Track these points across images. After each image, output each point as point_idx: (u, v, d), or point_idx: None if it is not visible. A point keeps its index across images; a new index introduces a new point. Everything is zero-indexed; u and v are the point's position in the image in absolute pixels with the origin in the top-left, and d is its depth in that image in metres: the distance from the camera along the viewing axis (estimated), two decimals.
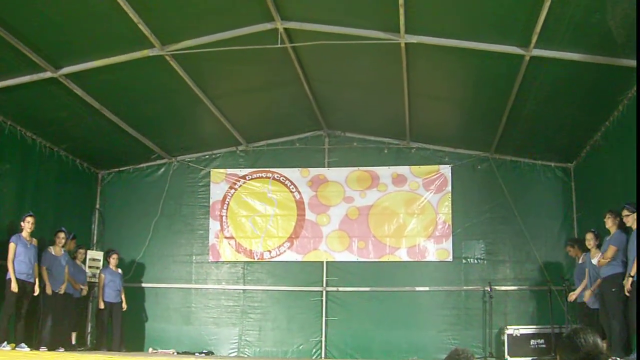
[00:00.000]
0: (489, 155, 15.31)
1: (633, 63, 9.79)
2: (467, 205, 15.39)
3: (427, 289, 15.18)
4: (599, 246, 11.65)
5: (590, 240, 11.96)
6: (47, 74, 11.37)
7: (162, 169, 16.49)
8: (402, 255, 15.36)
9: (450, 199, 15.40)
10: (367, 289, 15.34)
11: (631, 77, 10.22)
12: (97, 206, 16.47)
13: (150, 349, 15.02)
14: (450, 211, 15.36)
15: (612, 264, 10.72)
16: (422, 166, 15.65)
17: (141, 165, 16.54)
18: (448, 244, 15.25)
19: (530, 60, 10.35)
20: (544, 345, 13.40)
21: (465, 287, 15.01)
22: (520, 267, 14.92)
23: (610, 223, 11.01)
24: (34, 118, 13.19)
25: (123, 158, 16.21)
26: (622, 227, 10.75)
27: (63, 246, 13.14)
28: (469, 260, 15.14)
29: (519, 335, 13.56)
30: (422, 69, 11.94)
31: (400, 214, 15.53)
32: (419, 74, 12.12)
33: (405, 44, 10.63)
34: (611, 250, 10.66)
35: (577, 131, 13.16)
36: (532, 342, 13.48)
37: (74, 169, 15.42)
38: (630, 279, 9.87)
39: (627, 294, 10.06)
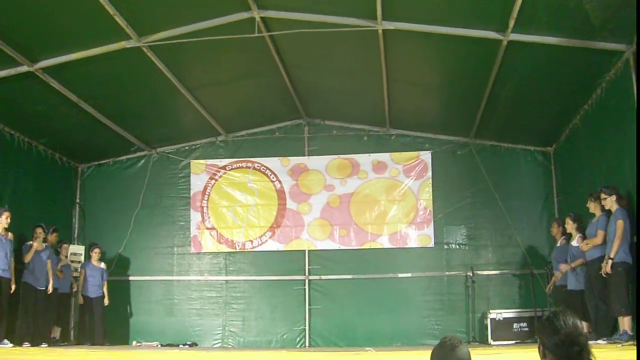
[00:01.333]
0: (469, 141, 15.34)
1: (610, 46, 9.91)
2: (447, 190, 15.42)
3: (409, 275, 15.22)
4: (578, 229, 11.78)
5: (568, 224, 12.08)
6: (24, 68, 11.28)
7: (142, 161, 16.42)
8: (384, 242, 15.39)
9: (430, 185, 15.43)
10: (350, 276, 15.36)
11: (609, 60, 10.32)
12: (78, 200, 16.38)
13: (134, 342, 14.99)
14: (431, 197, 15.39)
15: (599, 247, 10.80)
16: (402, 153, 15.66)
17: (121, 158, 16.47)
18: (429, 230, 15.29)
19: (508, 44, 10.36)
20: (526, 329, 13.49)
21: (447, 273, 15.06)
22: (502, 251, 14.98)
23: (593, 207, 11.08)
24: (11, 113, 13.08)
25: (102, 151, 16.14)
26: (604, 210, 10.84)
27: (43, 241, 13.05)
28: (450, 245, 15.20)
29: (501, 319, 13.64)
30: (400, 55, 11.92)
31: (381, 201, 15.55)
32: (397, 61, 12.11)
33: (383, 30, 10.62)
34: (601, 235, 10.67)
35: (556, 115, 13.21)
36: (515, 325, 13.57)
37: (53, 163, 15.31)
38: (610, 261, 9.98)
39: (604, 275, 10.16)
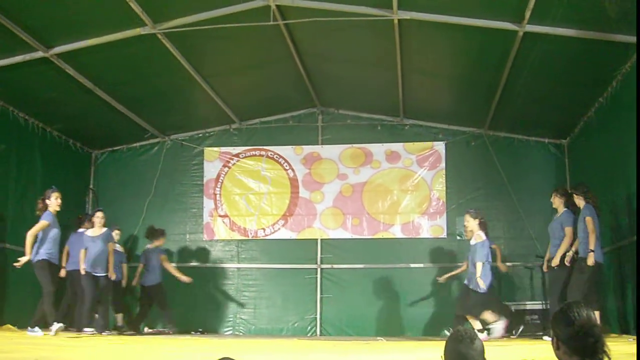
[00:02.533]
0: (483, 132, 15.29)
1: (626, 39, 9.81)
2: (460, 181, 15.39)
3: (421, 265, 15.19)
4: (480, 226, 12.07)
5: (468, 221, 12.23)
6: (39, 54, 11.31)
7: (156, 148, 16.45)
8: (396, 232, 15.39)
9: (444, 176, 15.40)
10: (362, 266, 15.37)
11: (625, 52, 10.26)
12: (91, 186, 16.45)
13: (146, 328, 15.00)
14: (444, 188, 15.37)
15: (556, 244, 11.13)
16: (415, 143, 15.63)
17: (134, 145, 16.51)
18: (442, 221, 15.28)
19: (524, 36, 10.32)
20: (538, 321, 13.43)
21: (459, 264, 15.01)
22: (514, 243, 14.93)
23: (557, 202, 11.38)
24: (26, 98, 13.16)
25: (116, 137, 16.18)
26: (568, 206, 11.24)
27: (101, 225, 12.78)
28: (463, 236, 15.15)
29: (512, 311, 13.59)
30: (416, 45, 11.89)
31: (394, 191, 15.53)
32: (412, 50, 12.08)
33: (398, 20, 10.60)
34: (570, 233, 10.97)
35: (570, 107, 13.16)
36: (526, 318, 13.51)
37: (67, 149, 15.39)
38: (592, 253, 10.22)
39: (567, 263, 10.68)
